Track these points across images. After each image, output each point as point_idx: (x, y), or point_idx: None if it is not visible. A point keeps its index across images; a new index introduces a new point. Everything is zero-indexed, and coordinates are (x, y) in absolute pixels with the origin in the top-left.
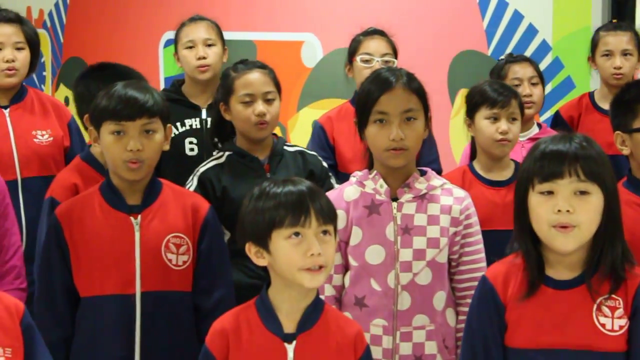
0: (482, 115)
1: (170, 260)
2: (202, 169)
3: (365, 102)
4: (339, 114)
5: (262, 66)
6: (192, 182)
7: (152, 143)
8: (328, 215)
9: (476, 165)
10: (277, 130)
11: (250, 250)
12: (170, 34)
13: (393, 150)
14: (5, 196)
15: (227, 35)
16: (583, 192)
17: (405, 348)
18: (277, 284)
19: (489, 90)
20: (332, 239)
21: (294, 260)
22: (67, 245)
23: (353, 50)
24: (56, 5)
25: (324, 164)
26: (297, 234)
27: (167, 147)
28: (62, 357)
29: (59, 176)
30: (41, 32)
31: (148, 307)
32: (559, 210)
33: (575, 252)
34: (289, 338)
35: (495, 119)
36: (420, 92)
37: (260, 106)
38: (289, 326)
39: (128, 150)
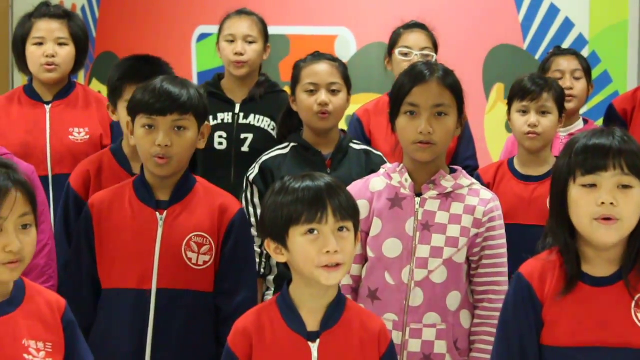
0: (515, 108)
1: (190, 259)
2: (265, 157)
3: (397, 93)
4: (377, 107)
5: (332, 59)
6: (254, 170)
7: (182, 140)
8: (347, 211)
9: (516, 159)
10: None
11: (270, 246)
12: (203, 28)
13: (420, 143)
14: (35, 192)
15: None
16: (626, 186)
17: (414, 345)
18: (298, 282)
19: (522, 83)
20: (350, 236)
21: (311, 257)
22: (94, 235)
23: (393, 43)
24: None
25: (389, 165)
26: (312, 230)
27: (202, 145)
28: None
29: (81, 163)
30: None
31: (162, 303)
32: (602, 203)
33: (614, 248)
34: (312, 337)
35: (525, 111)
36: (454, 89)
37: (322, 95)
38: (312, 324)
39: (156, 145)
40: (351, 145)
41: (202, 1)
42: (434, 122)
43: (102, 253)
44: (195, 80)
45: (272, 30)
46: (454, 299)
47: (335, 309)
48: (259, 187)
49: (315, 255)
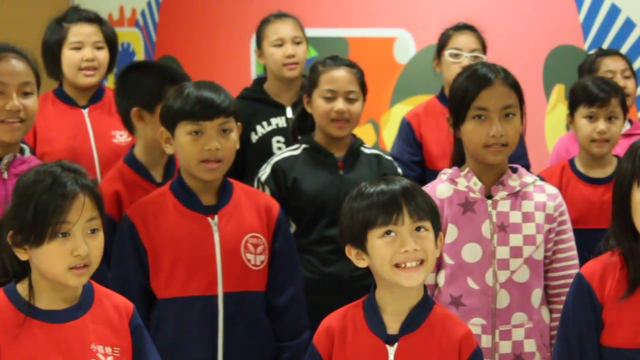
0: (581, 114)
1: (249, 261)
2: (276, 158)
3: (462, 98)
4: (426, 110)
5: (351, 65)
6: (265, 171)
7: (229, 142)
8: (423, 211)
9: (577, 161)
10: (370, 128)
11: (351, 252)
12: None
13: (493, 146)
14: None
15: (319, 32)
16: None
17: (505, 347)
18: (381, 285)
19: (589, 88)
20: (429, 235)
21: (388, 259)
22: (144, 247)
23: (442, 44)
24: (149, 4)
25: (399, 170)
26: (389, 232)
27: (237, 146)
28: None
29: (101, 184)
30: (133, 30)
31: (230, 307)
32: None
33: None
34: (391, 340)
35: (592, 117)
36: (517, 88)
37: (340, 104)
38: (393, 327)
39: (206, 149)
40: (362, 149)
41: (261, 5)
42: (504, 123)
43: (157, 264)
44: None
45: (330, 32)
46: (537, 296)
47: (419, 313)
48: (270, 187)
49: (392, 254)
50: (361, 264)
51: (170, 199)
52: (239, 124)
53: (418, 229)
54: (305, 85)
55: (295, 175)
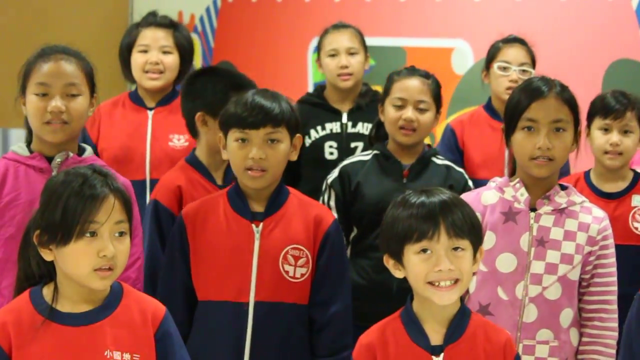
0: (596, 125)
1: (287, 272)
2: (346, 161)
3: (514, 109)
4: (471, 119)
5: (426, 75)
6: (334, 173)
7: (275, 152)
8: (461, 229)
9: (592, 174)
10: (427, 138)
11: (389, 262)
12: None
13: (538, 159)
14: (133, 205)
15: (377, 42)
16: None
17: None
18: (417, 297)
19: (606, 99)
20: (466, 254)
21: (422, 276)
22: (188, 247)
23: (491, 56)
24: (207, 9)
25: (470, 183)
26: (425, 250)
27: (294, 157)
28: None
29: (164, 178)
30: (192, 36)
31: (260, 316)
32: None
33: None
34: (436, 350)
35: (607, 129)
36: (572, 104)
37: (409, 112)
38: (435, 338)
39: (250, 158)
40: (433, 159)
41: (319, 13)
42: (553, 137)
43: (198, 264)
44: (310, 91)
45: (388, 41)
46: (566, 316)
47: (460, 322)
48: (336, 190)
49: (426, 273)
50: (398, 274)
51: (223, 202)
52: (298, 135)
53: (455, 249)
54: (363, 92)
55: (359, 179)
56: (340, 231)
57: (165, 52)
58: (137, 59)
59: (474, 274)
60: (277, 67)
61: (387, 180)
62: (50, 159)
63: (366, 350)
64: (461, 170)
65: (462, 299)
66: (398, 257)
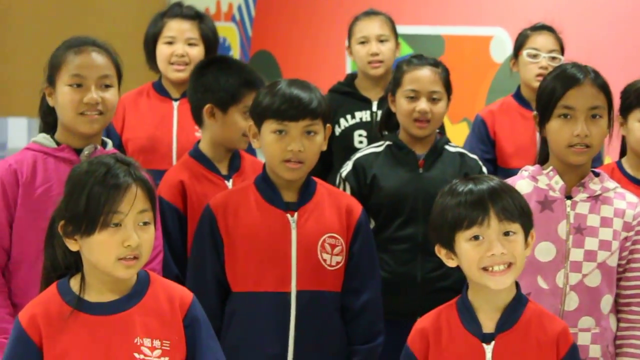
0: (635, 117)
1: (325, 260)
2: (359, 154)
3: (549, 96)
4: (502, 108)
5: (435, 64)
6: (347, 167)
7: (312, 144)
8: (512, 213)
9: (625, 163)
10: (464, 126)
11: (440, 252)
12: None
13: (576, 146)
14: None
15: (415, 30)
16: None
17: None
18: (472, 285)
19: None
20: (517, 238)
21: (475, 261)
22: (221, 238)
23: (519, 44)
24: None
25: (484, 169)
26: (477, 237)
27: (324, 148)
28: None
29: (167, 175)
30: (230, 25)
31: (302, 305)
32: None
33: None
34: (487, 338)
35: None
36: (606, 90)
37: (423, 104)
38: (488, 326)
39: (289, 150)
40: (446, 147)
41: (357, 1)
42: (590, 124)
43: (233, 256)
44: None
45: (427, 30)
46: (606, 303)
47: (513, 311)
48: (350, 184)
49: (479, 259)
50: (450, 263)
51: (252, 193)
52: (328, 125)
53: (506, 233)
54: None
55: (374, 172)
56: (368, 220)
57: (190, 44)
58: (162, 51)
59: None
60: (315, 55)
61: (403, 171)
62: (78, 151)
63: (420, 335)
64: (475, 157)
65: (518, 286)
66: (450, 246)
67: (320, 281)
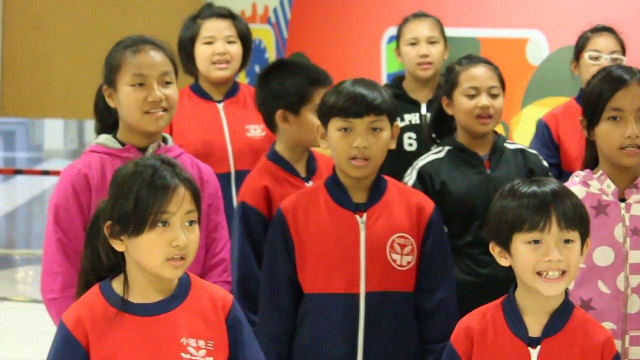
0: None
1: (394, 261)
2: (421, 162)
3: (597, 99)
4: (565, 112)
5: (488, 62)
6: (411, 176)
7: (378, 141)
8: (572, 220)
9: None
10: (500, 128)
11: (494, 249)
12: (393, 30)
13: (627, 148)
14: (217, 190)
15: (450, 32)
16: None
17: (635, 352)
18: (522, 286)
19: None
20: (574, 246)
21: (531, 265)
22: (292, 241)
23: (580, 46)
24: (281, 1)
25: (545, 163)
26: (536, 241)
27: (393, 146)
28: (285, 350)
29: (248, 180)
30: (265, 27)
31: (372, 306)
32: None
33: None
34: (533, 342)
35: None
36: None
37: (484, 99)
38: (534, 329)
39: (354, 147)
40: (506, 145)
41: (393, 3)
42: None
43: (303, 258)
44: (384, 82)
45: (462, 32)
46: None
47: (560, 316)
48: None
49: (535, 263)
50: (503, 262)
51: (322, 194)
52: (395, 123)
53: (566, 241)
54: (441, 85)
55: (442, 178)
56: (441, 218)
57: (230, 42)
58: (203, 51)
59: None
60: (351, 58)
61: (472, 174)
62: (142, 150)
63: (464, 334)
64: (534, 152)
65: (566, 292)
66: (505, 245)
67: (390, 282)
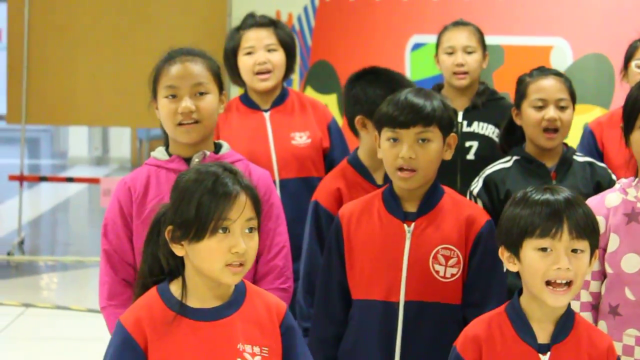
0: None
1: (437, 272)
2: (488, 171)
3: (632, 107)
4: (611, 120)
5: (558, 74)
6: (478, 184)
7: (426, 152)
8: (583, 229)
9: None
10: None
11: (503, 254)
12: (417, 38)
13: None
14: (270, 196)
15: None
16: None
17: None
18: (528, 293)
19: None
20: (584, 256)
21: (540, 272)
22: (344, 246)
23: (629, 55)
24: (305, 9)
25: (613, 177)
26: (545, 249)
27: (448, 157)
28: (332, 354)
29: (325, 180)
30: None
31: (411, 316)
32: None
33: None
34: (543, 349)
35: None
36: None
37: (551, 112)
38: (542, 336)
39: (400, 157)
40: (575, 157)
41: (418, 10)
42: None
43: (352, 264)
44: None
45: (487, 40)
46: None
47: (566, 323)
48: (483, 200)
49: (544, 270)
50: (511, 267)
51: (377, 201)
52: (453, 134)
53: (574, 250)
54: (480, 91)
55: (508, 187)
56: (494, 232)
57: (270, 50)
58: (245, 62)
59: (604, 277)
60: (375, 65)
61: (538, 184)
62: (188, 160)
63: (472, 342)
64: (604, 165)
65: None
66: (515, 251)
67: (432, 292)
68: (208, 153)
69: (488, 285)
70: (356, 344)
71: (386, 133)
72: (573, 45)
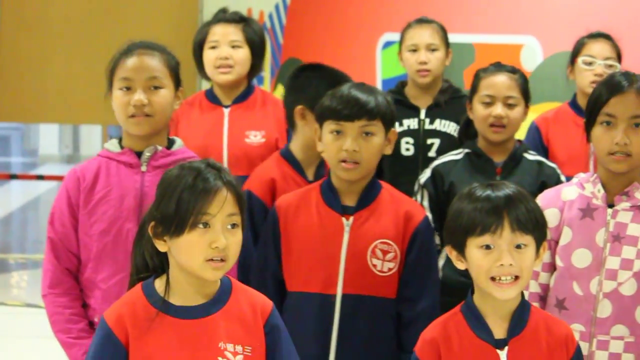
0: None
1: (375, 266)
2: (437, 162)
3: (594, 103)
4: (556, 116)
5: (513, 70)
6: (426, 174)
7: (369, 145)
8: (525, 225)
9: None
10: None
11: (451, 253)
12: (388, 36)
13: (616, 154)
14: None
15: None
16: None
17: (601, 357)
18: (479, 291)
19: None
20: (528, 251)
21: (484, 269)
22: (280, 238)
23: (576, 52)
24: (276, 6)
25: (563, 178)
26: (488, 246)
27: (388, 151)
28: None
29: (258, 170)
30: None
31: (347, 309)
32: None
33: None
34: (500, 344)
35: None
36: None
37: (498, 109)
38: (498, 332)
39: (344, 150)
40: (525, 155)
41: (389, 9)
42: (631, 133)
43: (288, 255)
44: (379, 88)
45: (458, 38)
46: None
47: (521, 315)
48: (428, 190)
49: (488, 268)
50: (460, 265)
51: (315, 194)
52: (393, 129)
53: (517, 246)
54: (444, 88)
55: (452, 179)
56: (431, 228)
57: (235, 47)
58: (208, 55)
59: (554, 269)
60: (346, 63)
61: (481, 179)
62: (139, 154)
63: (429, 346)
64: (553, 165)
65: (522, 292)
66: (460, 249)
67: (368, 286)
68: (160, 148)
69: (423, 280)
70: (292, 336)
71: (329, 125)
72: (543, 43)
